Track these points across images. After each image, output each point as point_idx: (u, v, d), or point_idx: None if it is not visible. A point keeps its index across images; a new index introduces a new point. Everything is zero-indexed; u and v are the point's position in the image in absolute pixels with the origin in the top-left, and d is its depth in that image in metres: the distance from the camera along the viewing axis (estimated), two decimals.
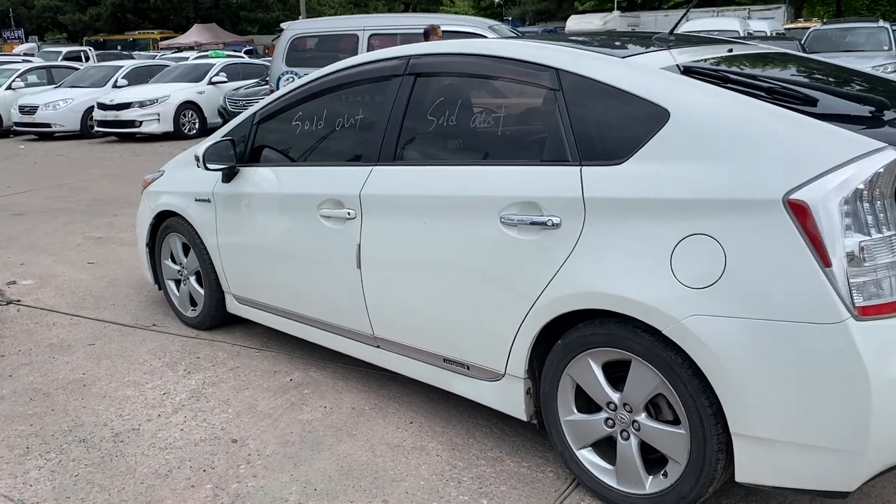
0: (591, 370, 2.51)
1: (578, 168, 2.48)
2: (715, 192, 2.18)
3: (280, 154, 3.67)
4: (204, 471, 2.88)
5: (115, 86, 15.51)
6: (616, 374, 2.50)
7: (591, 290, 2.41)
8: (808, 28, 17.71)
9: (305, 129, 3.52)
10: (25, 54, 26.24)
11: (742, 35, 14.51)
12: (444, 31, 10.05)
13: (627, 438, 2.48)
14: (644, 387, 2.38)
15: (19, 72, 17.01)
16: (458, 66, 2.97)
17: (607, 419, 2.52)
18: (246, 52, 29.31)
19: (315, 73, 3.55)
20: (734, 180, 2.16)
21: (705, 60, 2.66)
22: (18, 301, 4.92)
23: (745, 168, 2.15)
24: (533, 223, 2.56)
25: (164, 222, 4.33)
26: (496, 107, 2.83)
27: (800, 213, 2.03)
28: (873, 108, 2.27)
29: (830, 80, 2.74)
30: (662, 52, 2.72)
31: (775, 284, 2.07)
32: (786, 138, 2.13)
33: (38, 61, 20.16)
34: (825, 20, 21.82)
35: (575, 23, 28.91)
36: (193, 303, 4.31)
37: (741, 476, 2.23)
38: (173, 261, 4.39)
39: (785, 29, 20.31)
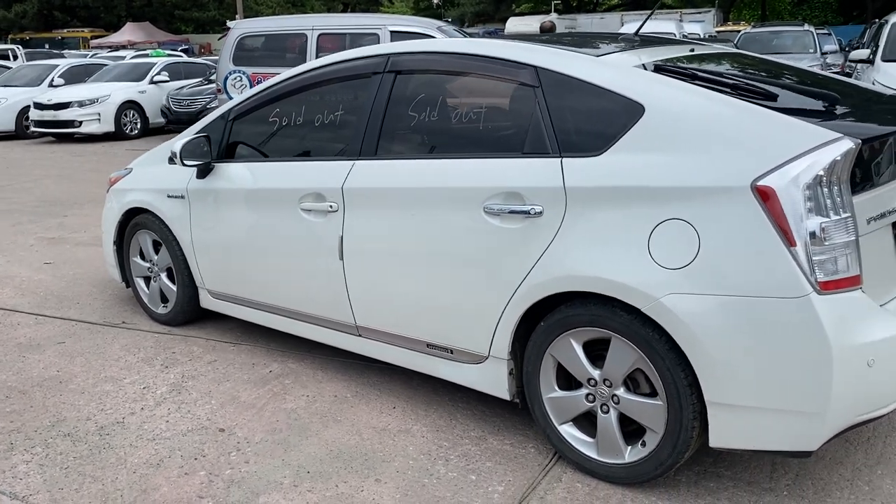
0: (572, 349, 2.68)
1: (559, 160, 2.65)
2: (688, 181, 2.37)
3: (257, 150, 3.73)
4: (195, 459, 2.94)
5: (51, 85, 15.11)
6: (595, 352, 2.67)
7: (575, 273, 2.57)
8: (738, 31, 18.43)
9: (283, 126, 3.60)
10: None
11: (678, 37, 15.02)
12: (393, 32, 10.17)
13: (607, 412, 2.65)
14: (623, 362, 2.56)
15: None
16: (439, 63, 3.10)
17: (588, 395, 2.69)
18: (182, 52, 28.75)
19: (291, 70, 3.63)
20: (706, 169, 2.35)
21: (673, 59, 2.85)
22: None
23: (715, 158, 2.35)
24: (516, 212, 2.71)
25: (134, 219, 4.33)
26: (477, 103, 2.97)
27: (766, 197, 2.24)
28: (826, 103, 2.50)
29: (785, 77, 2.98)
30: (631, 51, 2.91)
31: (745, 263, 2.27)
32: (752, 130, 2.34)
33: None
34: (753, 24, 22.68)
35: (514, 25, 29.25)
36: (164, 299, 4.32)
37: (715, 441, 2.43)
38: (143, 258, 4.40)
39: (716, 32, 21.05)
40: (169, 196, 4.03)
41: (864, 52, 9.84)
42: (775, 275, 2.23)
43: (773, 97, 2.48)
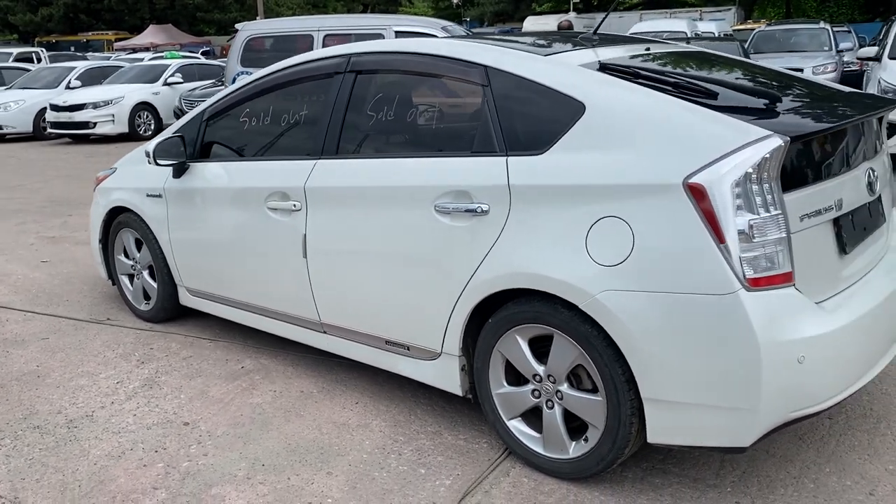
0: (518, 345, 2.71)
1: (505, 158, 2.68)
2: (623, 178, 2.39)
3: (228, 149, 3.80)
4: (156, 451, 3.01)
5: (68, 87, 15.37)
6: (541, 348, 2.69)
7: (517, 270, 2.60)
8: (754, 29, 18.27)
9: (252, 126, 3.67)
10: None
11: (689, 36, 14.92)
12: (397, 32, 10.22)
13: (552, 408, 2.68)
14: (565, 358, 2.59)
15: None
16: (396, 63, 3.15)
17: (534, 390, 2.72)
18: (203, 53, 29.05)
19: (261, 71, 3.70)
20: (640, 167, 2.37)
21: (622, 58, 2.87)
22: None
23: (649, 155, 2.37)
24: (464, 210, 2.74)
25: (117, 218, 4.43)
26: (431, 102, 3.01)
27: (697, 194, 2.25)
28: (766, 101, 2.51)
29: (732, 75, 2.98)
30: (584, 50, 2.93)
31: (677, 260, 2.29)
32: (686, 128, 2.35)
33: None
34: (771, 22, 22.46)
35: (532, 24, 29.17)
36: (147, 296, 4.41)
37: (652, 437, 2.44)
38: (126, 256, 4.49)
39: (733, 30, 20.87)
40: (148, 195, 4.12)
41: (871, 50, 9.73)
42: (705, 271, 2.24)
43: (714, 95, 2.49)
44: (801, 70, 13.25)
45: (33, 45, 33.14)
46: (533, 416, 2.80)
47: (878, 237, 2.84)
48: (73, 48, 36.37)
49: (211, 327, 4.31)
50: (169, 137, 3.85)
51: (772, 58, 13.87)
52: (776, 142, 2.22)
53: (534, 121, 2.66)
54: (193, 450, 3.02)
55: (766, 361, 2.20)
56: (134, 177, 4.28)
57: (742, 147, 2.24)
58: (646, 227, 2.34)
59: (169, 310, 4.30)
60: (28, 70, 17.74)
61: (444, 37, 10.36)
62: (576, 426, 2.68)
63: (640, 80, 2.59)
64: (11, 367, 3.87)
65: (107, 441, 3.10)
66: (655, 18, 22.98)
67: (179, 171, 3.90)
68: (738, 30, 21.33)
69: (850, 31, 19.67)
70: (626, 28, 18.20)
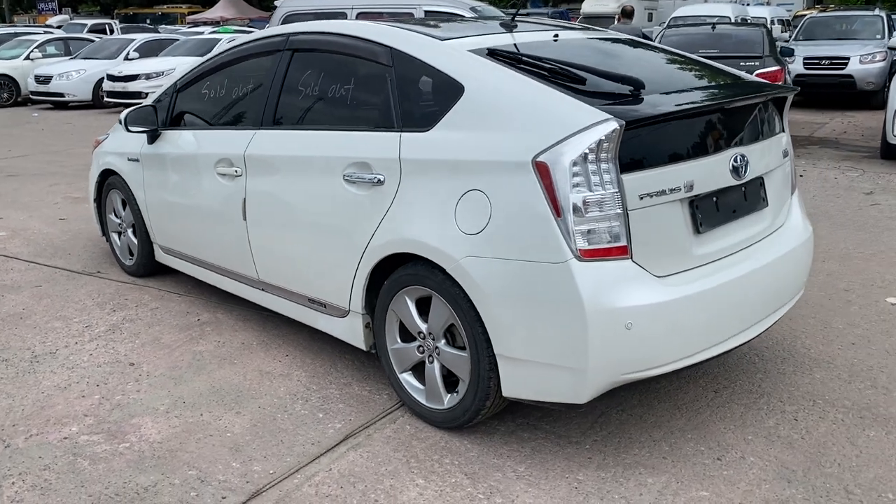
0: (406, 305, 2.96)
1: (399, 134, 2.92)
2: (487, 155, 2.61)
3: (192, 118, 4.14)
4: (97, 385, 3.39)
5: (126, 58, 16.10)
6: (426, 309, 2.94)
7: (402, 237, 2.86)
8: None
9: (211, 97, 3.99)
10: (58, 26, 27.08)
11: (733, 20, 14.67)
12: (426, 11, 10.44)
13: (432, 362, 2.93)
14: (440, 318, 2.83)
15: (37, 43, 17.68)
16: (323, 43, 3.41)
17: (419, 347, 2.98)
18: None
19: (220, 47, 4.01)
20: (502, 145, 2.59)
21: (521, 44, 3.07)
22: None
23: (510, 135, 2.58)
24: (365, 180, 3.00)
25: (108, 180, 4.83)
26: (348, 79, 3.26)
27: (543, 171, 2.46)
28: (631, 87, 2.68)
29: (616, 62, 3.14)
30: (490, 35, 3.14)
31: (523, 230, 2.50)
32: (543, 111, 2.55)
33: (58, 33, 20.84)
34: (826, 7, 21.74)
35: (591, 5, 28.88)
36: (131, 252, 4.81)
37: (506, 391, 2.68)
38: (115, 215, 4.90)
39: (794, 16, 20.33)
40: (129, 159, 4.50)
41: None
42: (544, 241, 2.45)
43: (583, 81, 2.68)
44: (846, 59, 12.95)
45: (113, 17, 34.53)
46: (421, 370, 3.06)
47: (758, 220, 2.98)
48: (148, 20, 37.70)
49: (184, 283, 4.69)
50: (142, 106, 4.22)
51: (818, 45, 13.54)
52: (612, 125, 2.41)
53: (425, 100, 2.89)
54: (130, 386, 3.38)
55: (593, 326, 2.41)
56: (120, 142, 4.66)
57: (584, 129, 2.43)
58: (501, 200, 2.56)
59: (147, 265, 4.69)
60: (93, 41, 18.60)
61: (472, 17, 10.52)
62: (453, 381, 2.93)
63: (520, 66, 2.79)
64: (1, 308, 4.32)
65: (59, 375, 3.50)
66: (714, 1, 22.46)
67: (153, 138, 4.26)
68: (799, 15, 20.76)
69: None
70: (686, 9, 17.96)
